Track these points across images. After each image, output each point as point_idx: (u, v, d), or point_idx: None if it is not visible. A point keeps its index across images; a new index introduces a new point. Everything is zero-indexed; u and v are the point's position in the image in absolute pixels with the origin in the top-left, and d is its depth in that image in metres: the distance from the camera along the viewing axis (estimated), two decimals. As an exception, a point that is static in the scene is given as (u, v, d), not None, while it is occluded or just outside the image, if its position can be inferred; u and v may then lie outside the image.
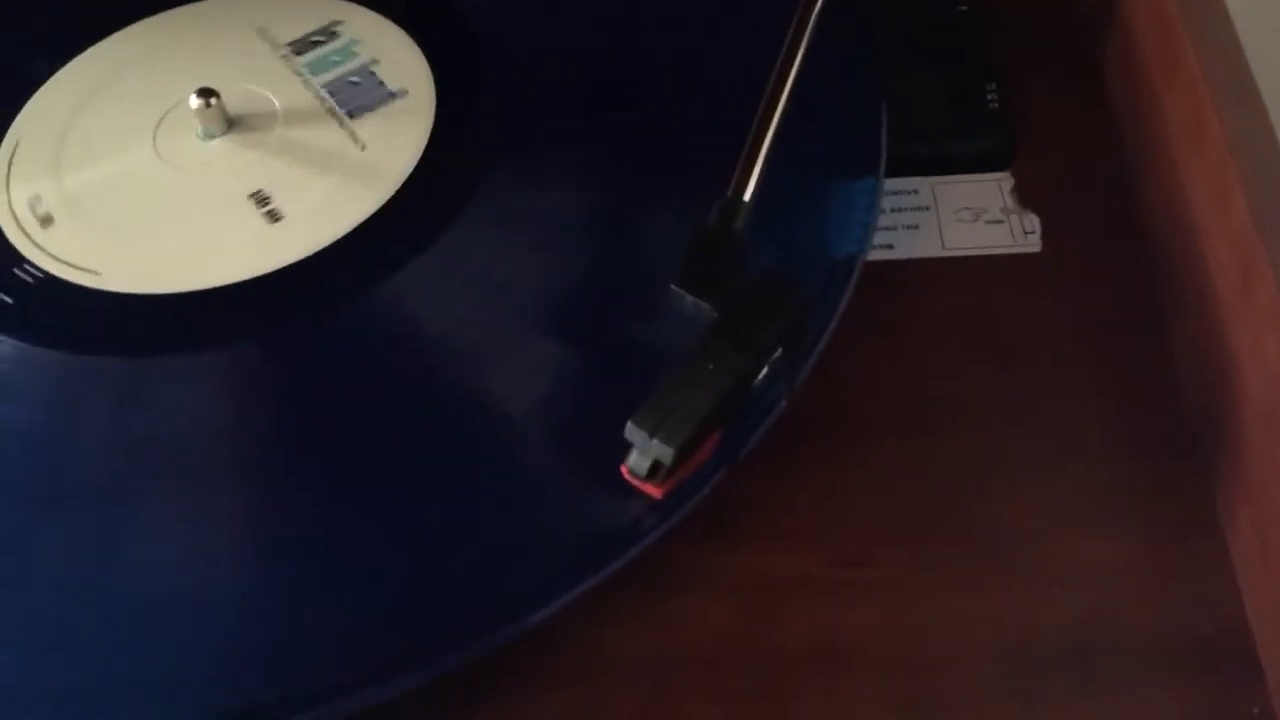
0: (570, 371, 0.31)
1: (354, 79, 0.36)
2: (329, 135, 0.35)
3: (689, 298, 0.29)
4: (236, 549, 0.29)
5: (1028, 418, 0.32)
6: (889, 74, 0.36)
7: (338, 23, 0.38)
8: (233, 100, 0.36)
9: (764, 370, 0.28)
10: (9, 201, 0.35)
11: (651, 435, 0.27)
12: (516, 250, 0.33)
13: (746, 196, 0.31)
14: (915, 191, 0.36)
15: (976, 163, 0.36)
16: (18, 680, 0.27)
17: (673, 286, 0.29)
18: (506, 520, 0.28)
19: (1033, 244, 0.34)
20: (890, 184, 0.36)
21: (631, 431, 0.27)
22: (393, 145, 0.35)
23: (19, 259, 0.34)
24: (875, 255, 0.35)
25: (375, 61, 0.37)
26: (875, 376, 0.32)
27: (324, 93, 0.36)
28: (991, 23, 0.39)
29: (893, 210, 0.35)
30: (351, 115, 0.35)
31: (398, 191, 0.34)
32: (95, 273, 0.33)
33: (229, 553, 0.29)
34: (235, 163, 0.35)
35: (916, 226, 0.35)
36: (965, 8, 0.39)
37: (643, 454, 0.27)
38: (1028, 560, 0.29)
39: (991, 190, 0.36)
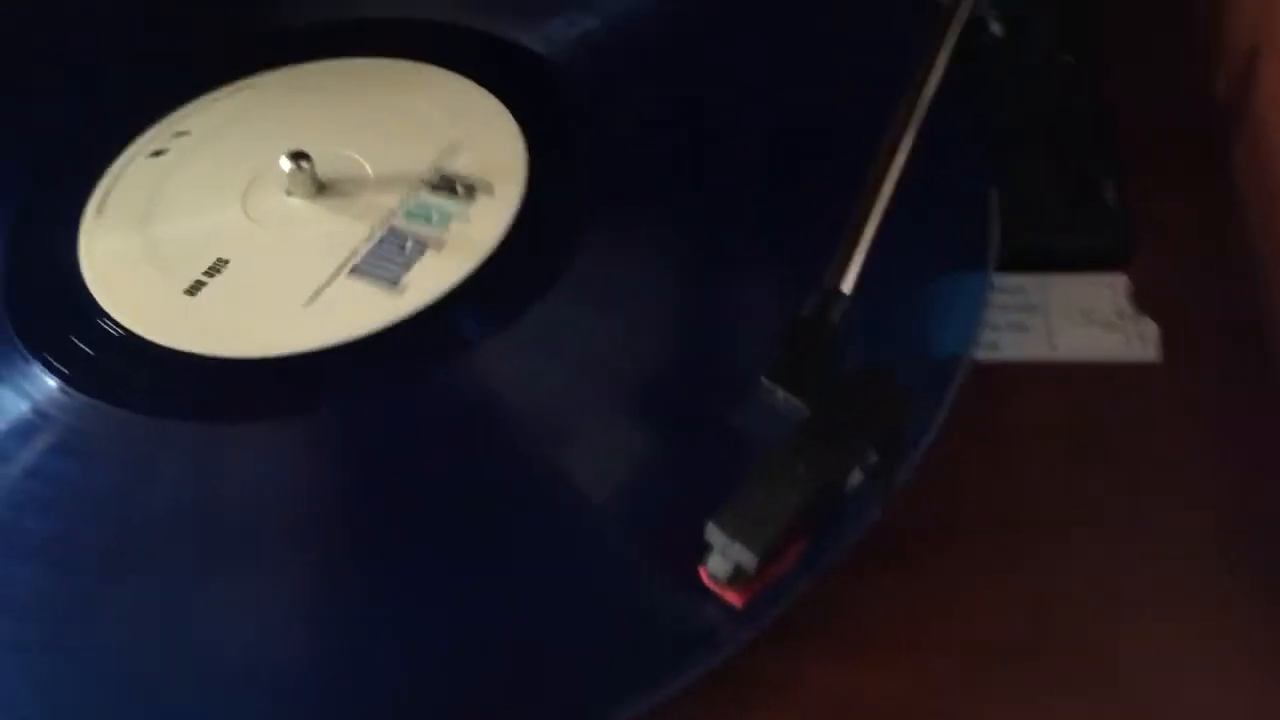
0: (654, 460, 0.30)
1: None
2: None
3: (780, 392, 0.27)
4: (293, 625, 0.28)
5: (1144, 539, 0.29)
6: (1003, 162, 0.35)
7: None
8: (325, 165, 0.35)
9: (858, 474, 0.27)
10: (93, 250, 0.35)
11: (733, 538, 0.25)
12: (604, 329, 0.32)
13: (845, 288, 0.29)
14: (1024, 289, 0.34)
15: (1090, 261, 0.34)
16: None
17: (762, 379, 0.27)
18: (575, 621, 0.27)
19: (1149, 353, 0.32)
20: (996, 280, 0.34)
21: (712, 533, 0.25)
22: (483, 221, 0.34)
23: (100, 312, 0.34)
24: (980, 355, 0.33)
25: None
26: (977, 486, 0.30)
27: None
28: (1114, 115, 0.37)
29: (999, 308, 0.34)
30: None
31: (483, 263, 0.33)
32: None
33: (283, 629, 0.28)
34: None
35: (1024, 327, 0.33)
36: (1086, 99, 0.37)
37: (724, 557, 0.25)
38: (1150, 700, 0.27)
39: (1105, 292, 0.34)
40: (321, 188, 0.35)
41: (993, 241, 0.32)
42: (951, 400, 0.29)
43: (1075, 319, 0.33)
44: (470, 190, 0.34)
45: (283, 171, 0.35)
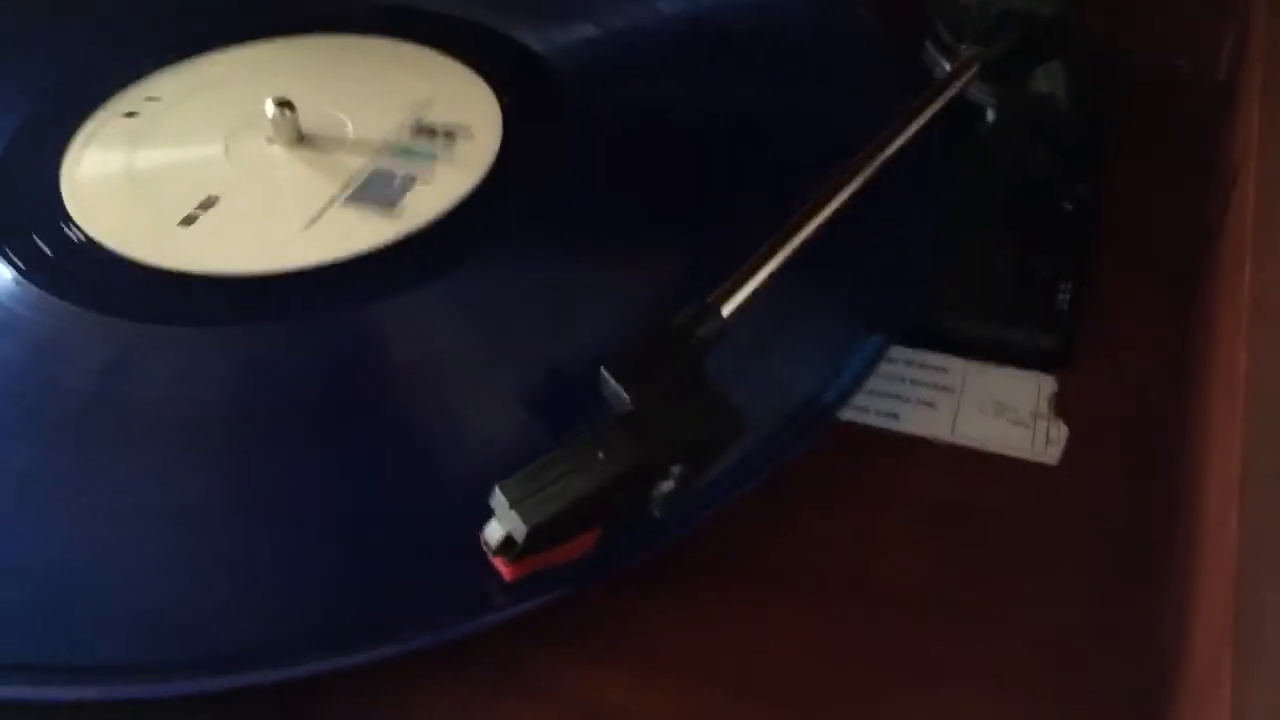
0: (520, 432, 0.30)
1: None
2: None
3: (613, 383, 0.27)
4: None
5: (977, 634, 0.27)
6: (962, 243, 0.34)
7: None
8: (309, 118, 0.37)
9: (669, 483, 0.26)
10: (75, 175, 0.37)
11: (513, 505, 0.25)
12: (507, 308, 0.32)
13: (725, 312, 0.29)
14: (945, 370, 0.33)
15: (1024, 358, 0.33)
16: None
17: (601, 367, 0.27)
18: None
19: (1050, 455, 0.30)
20: (922, 355, 0.33)
21: (496, 497, 0.25)
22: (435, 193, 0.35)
23: (70, 221, 0.36)
24: (875, 421, 0.32)
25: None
26: (826, 541, 0.29)
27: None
28: (1093, 218, 0.35)
29: (912, 382, 0.32)
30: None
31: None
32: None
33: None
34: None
35: (932, 404, 0.32)
36: (1068, 198, 0.36)
37: (499, 524, 0.25)
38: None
39: (1028, 389, 0.32)
40: (302, 138, 0.37)
41: (907, 315, 0.32)
42: (805, 448, 0.28)
43: (987, 409, 0.32)
44: (450, 135, 0.36)
45: (266, 118, 0.36)
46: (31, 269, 0.34)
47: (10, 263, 0.34)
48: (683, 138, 0.37)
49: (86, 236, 0.35)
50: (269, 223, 0.35)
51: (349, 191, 0.35)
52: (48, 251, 0.35)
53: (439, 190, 0.35)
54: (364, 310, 0.32)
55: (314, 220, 0.34)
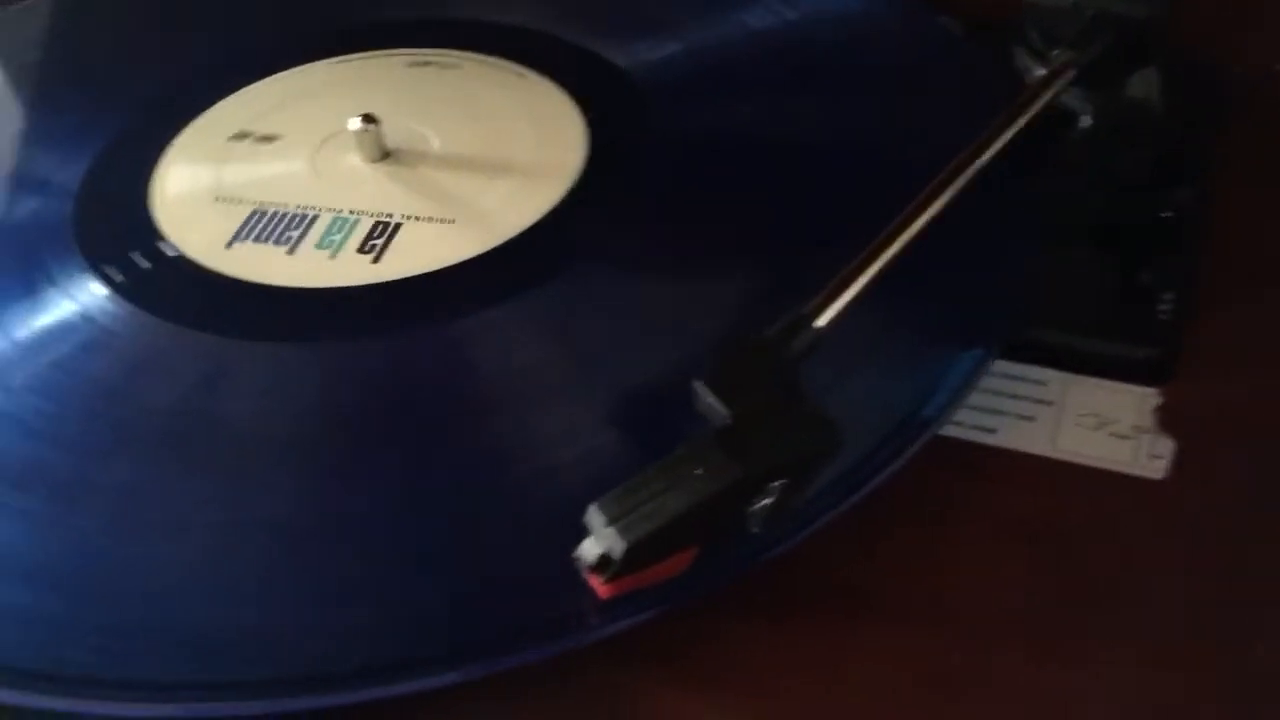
0: (613, 448, 0.29)
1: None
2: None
3: (710, 397, 0.26)
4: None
5: (1082, 661, 0.26)
6: (1061, 254, 0.33)
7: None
8: (393, 133, 0.37)
9: (767, 500, 0.25)
10: (165, 184, 0.38)
11: (609, 524, 0.24)
12: (596, 322, 0.32)
13: (820, 323, 0.28)
14: (1045, 383, 0.32)
15: (1125, 370, 0.32)
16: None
17: (694, 382, 0.26)
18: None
19: (1154, 469, 0.30)
20: (1019, 369, 0.32)
21: (592, 515, 0.25)
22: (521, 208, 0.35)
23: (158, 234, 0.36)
24: (971, 435, 0.31)
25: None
26: (921, 561, 0.28)
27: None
28: (1196, 227, 0.34)
29: (1011, 395, 0.32)
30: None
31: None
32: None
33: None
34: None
35: (1032, 418, 0.31)
36: (1170, 215, 0.35)
37: (596, 542, 0.25)
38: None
39: (1130, 403, 0.31)
40: (387, 153, 0.37)
41: (1005, 326, 0.31)
42: (903, 465, 0.28)
43: (1088, 422, 0.31)
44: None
45: (351, 133, 0.37)
46: (124, 286, 0.34)
47: (104, 279, 0.34)
48: (768, 151, 0.37)
49: (178, 252, 0.35)
50: (356, 237, 0.35)
51: (430, 206, 0.35)
52: (141, 267, 0.35)
53: (525, 205, 0.35)
54: (452, 325, 0.32)
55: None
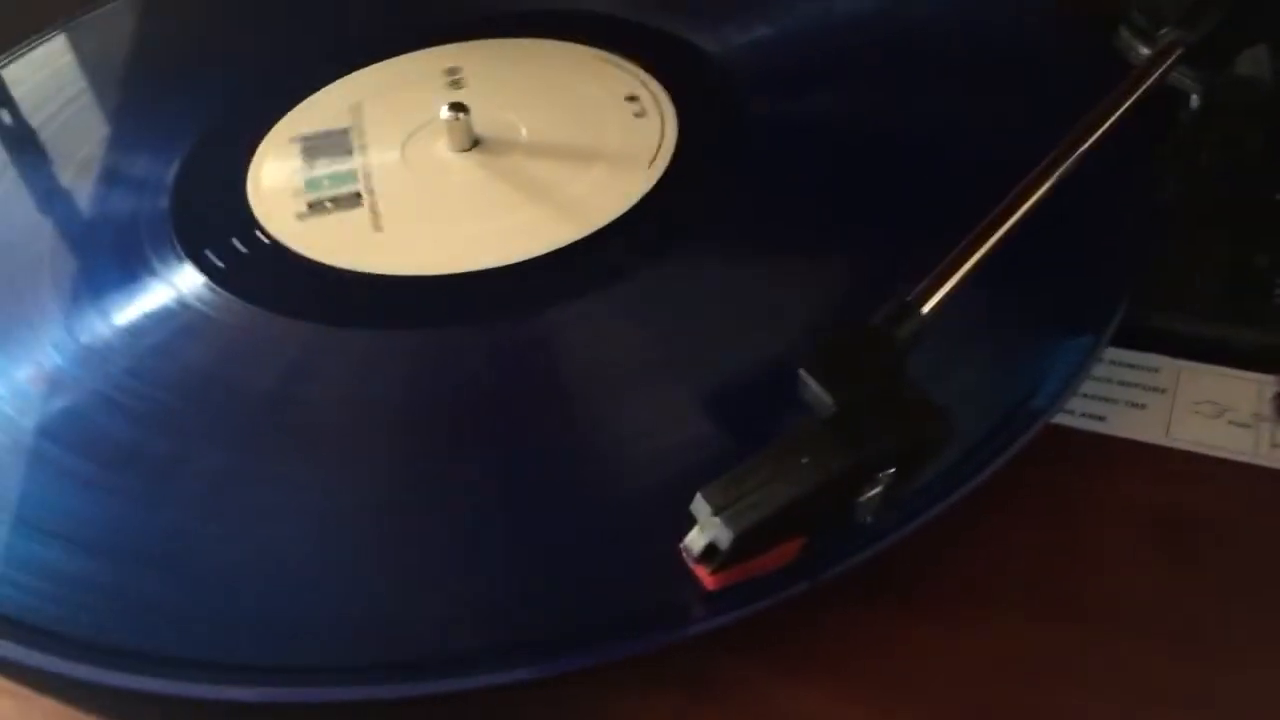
0: (713, 437, 0.29)
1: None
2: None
3: (814, 385, 0.26)
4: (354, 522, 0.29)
5: (1203, 658, 0.25)
6: (1171, 238, 0.32)
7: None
8: (482, 122, 0.37)
9: (875, 490, 0.25)
10: (260, 173, 0.38)
11: (716, 513, 0.24)
12: (691, 310, 0.32)
13: (925, 309, 0.27)
14: (1156, 370, 0.31)
15: (1240, 357, 0.31)
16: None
17: (800, 369, 0.26)
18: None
19: (1276, 459, 0.28)
20: (1129, 355, 0.31)
21: (698, 504, 0.24)
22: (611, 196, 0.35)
23: (254, 223, 0.36)
24: (1081, 424, 0.30)
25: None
26: (1031, 554, 0.27)
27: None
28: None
29: (1120, 383, 0.31)
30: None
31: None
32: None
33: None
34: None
35: (1143, 406, 0.30)
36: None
37: (701, 532, 0.24)
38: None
39: (1248, 390, 0.30)
40: (477, 142, 0.37)
41: (1118, 312, 0.30)
42: (1015, 453, 0.27)
43: (1204, 410, 0.30)
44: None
45: (441, 122, 0.36)
46: (222, 273, 0.34)
47: (202, 267, 0.34)
48: (861, 136, 0.36)
49: (272, 239, 0.35)
50: (445, 226, 0.35)
51: (520, 194, 0.35)
52: (239, 253, 0.35)
53: (615, 192, 0.34)
54: (544, 313, 0.32)
55: (490, 223, 0.34)
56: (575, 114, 0.38)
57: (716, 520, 0.24)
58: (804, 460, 0.24)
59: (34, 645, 0.26)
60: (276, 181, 0.37)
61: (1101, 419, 0.30)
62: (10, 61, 0.46)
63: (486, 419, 0.30)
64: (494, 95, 0.38)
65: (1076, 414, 0.30)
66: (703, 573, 0.24)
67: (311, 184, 0.37)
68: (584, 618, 0.25)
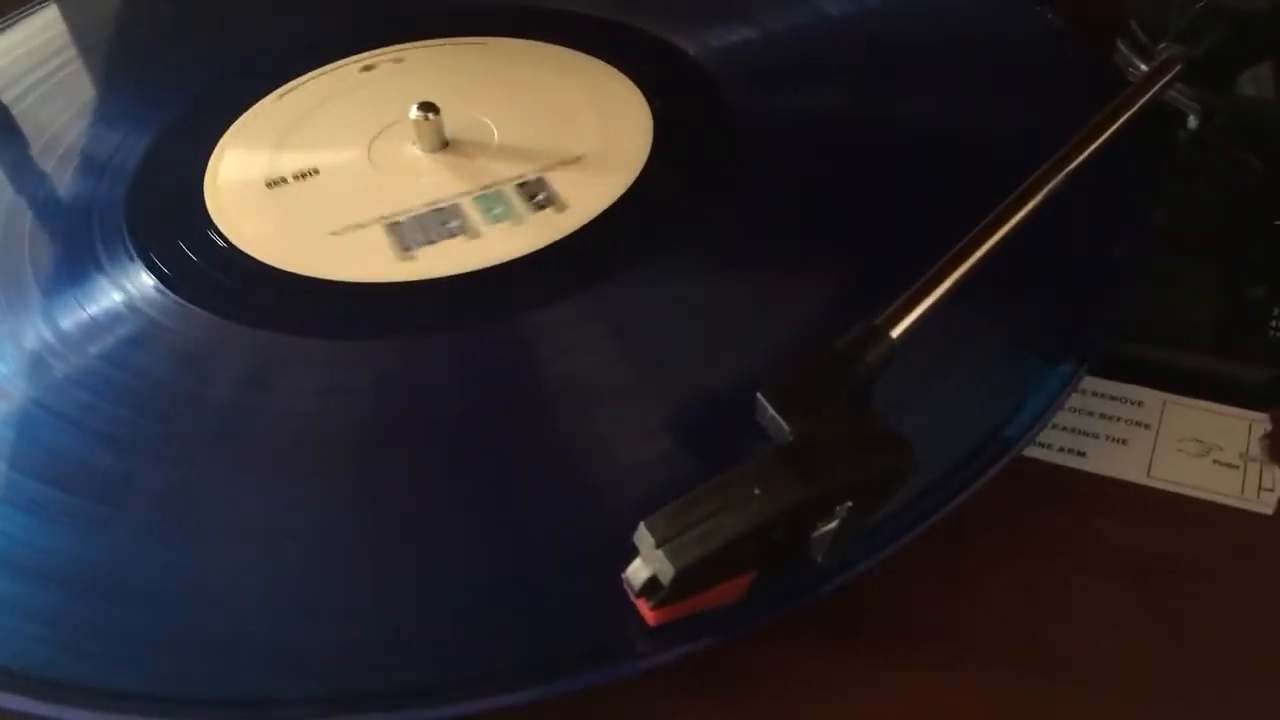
0: (669, 459, 0.27)
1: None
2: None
3: (771, 410, 0.24)
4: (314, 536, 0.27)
5: (1176, 714, 0.24)
6: (1160, 266, 0.31)
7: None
8: (453, 123, 0.36)
9: (831, 524, 0.23)
10: (218, 171, 0.37)
11: (659, 545, 0.22)
12: (657, 323, 0.30)
13: (894, 333, 0.26)
14: (1140, 403, 0.29)
15: (1231, 392, 0.29)
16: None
17: (759, 393, 0.24)
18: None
19: (1265, 503, 0.27)
20: (1111, 386, 0.30)
21: (641, 534, 0.23)
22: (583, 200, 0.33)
23: (210, 224, 0.35)
24: (1059, 459, 0.28)
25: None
26: (1001, 596, 0.26)
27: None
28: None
29: (1102, 415, 0.29)
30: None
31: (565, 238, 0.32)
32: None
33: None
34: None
35: (1124, 441, 0.29)
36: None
37: (644, 564, 0.23)
38: None
39: (1237, 428, 0.28)
40: (446, 143, 0.36)
41: (1099, 341, 0.28)
42: (978, 489, 0.25)
43: (1189, 448, 0.28)
44: (543, 206, 0.33)
45: (410, 122, 0.35)
46: (173, 277, 0.33)
47: (152, 270, 0.33)
48: (846, 147, 0.35)
49: (228, 243, 0.34)
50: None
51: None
52: (191, 259, 0.34)
53: (588, 196, 0.33)
54: (509, 321, 0.31)
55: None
56: (548, 115, 0.36)
57: (659, 553, 0.22)
58: (756, 491, 0.23)
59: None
60: (236, 178, 0.36)
61: (1082, 454, 0.28)
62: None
63: (453, 432, 0.28)
64: (467, 96, 0.37)
65: (1054, 448, 0.29)
66: (644, 607, 0.23)
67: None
68: (517, 650, 0.24)
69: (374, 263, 0.32)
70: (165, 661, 0.25)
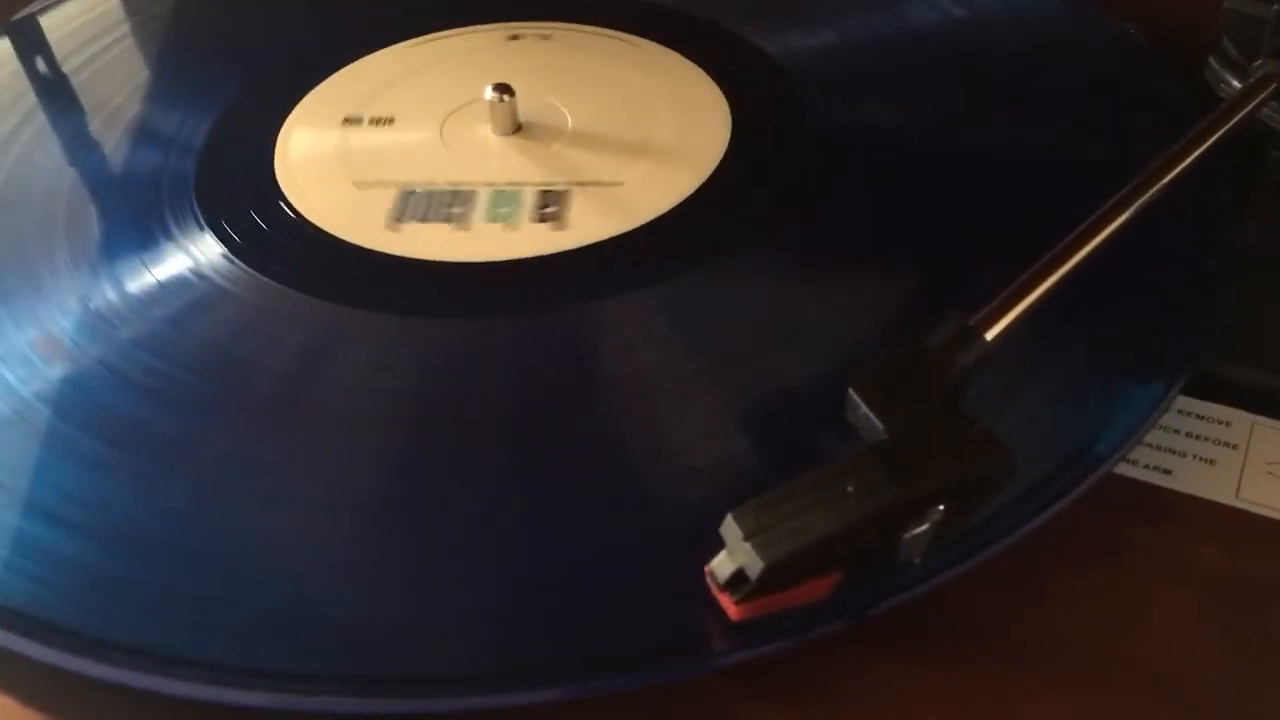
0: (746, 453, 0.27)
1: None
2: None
3: (864, 408, 0.24)
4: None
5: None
6: (1251, 286, 0.30)
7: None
8: (528, 107, 0.35)
9: (923, 527, 0.23)
10: (288, 144, 0.36)
11: (747, 538, 0.22)
12: (731, 318, 0.30)
13: (989, 335, 0.25)
14: (1228, 424, 0.29)
15: (1320, 417, 0.28)
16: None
17: (850, 390, 0.24)
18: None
19: (1359, 532, 0.26)
20: (1199, 405, 0.29)
21: (728, 527, 0.22)
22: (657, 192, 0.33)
23: (279, 195, 0.34)
24: (1144, 475, 0.28)
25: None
26: (1083, 613, 0.25)
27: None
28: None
29: (1189, 434, 0.28)
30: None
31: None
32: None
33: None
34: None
35: (1212, 461, 0.28)
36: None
37: (730, 557, 0.22)
38: None
39: (1328, 454, 0.28)
40: (520, 127, 0.35)
41: (1192, 359, 0.28)
42: (1066, 504, 0.25)
43: (1278, 471, 0.27)
44: (545, 220, 0.33)
45: (484, 104, 0.35)
46: (241, 246, 0.33)
47: (221, 238, 0.33)
48: (927, 154, 0.34)
49: (298, 215, 0.33)
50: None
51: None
52: (260, 228, 0.33)
53: (661, 189, 0.33)
54: (577, 308, 0.30)
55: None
56: (625, 106, 0.36)
57: (747, 546, 0.22)
58: (849, 489, 0.22)
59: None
60: (307, 153, 0.36)
61: (1168, 473, 0.28)
62: (48, 8, 0.45)
63: (506, 415, 0.28)
64: (545, 81, 0.37)
65: (1140, 465, 0.28)
66: (727, 601, 0.22)
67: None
68: (580, 644, 0.23)
69: (364, 225, 0.32)
70: (226, 626, 0.24)
